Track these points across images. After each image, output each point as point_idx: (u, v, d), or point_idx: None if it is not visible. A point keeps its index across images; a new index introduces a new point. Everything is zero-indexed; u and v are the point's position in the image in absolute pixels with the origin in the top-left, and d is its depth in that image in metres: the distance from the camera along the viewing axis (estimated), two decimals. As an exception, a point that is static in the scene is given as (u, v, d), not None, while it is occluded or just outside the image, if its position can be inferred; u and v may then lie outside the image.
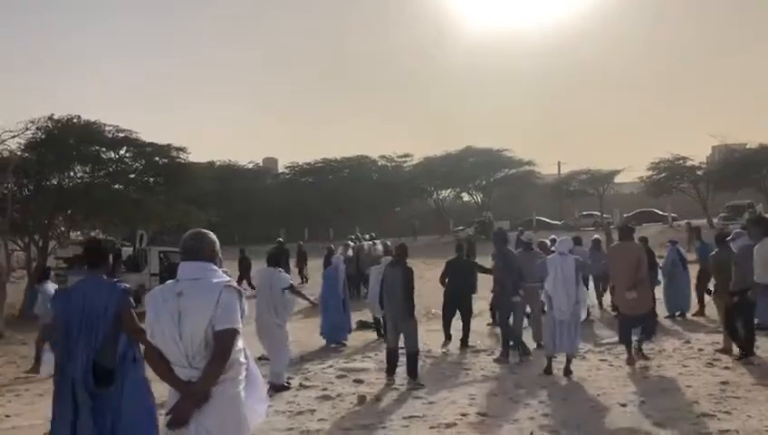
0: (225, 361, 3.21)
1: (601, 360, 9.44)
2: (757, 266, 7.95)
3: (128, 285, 4.69)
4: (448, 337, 11.11)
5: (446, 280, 11.31)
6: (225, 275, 3.41)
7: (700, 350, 9.66)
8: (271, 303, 8.59)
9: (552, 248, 10.22)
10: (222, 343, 3.20)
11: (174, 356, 3.23)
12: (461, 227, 45.39)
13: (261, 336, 8.54)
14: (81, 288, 4.62)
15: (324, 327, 12.01)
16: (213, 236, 3.50)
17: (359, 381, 8.67)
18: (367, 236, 22.70)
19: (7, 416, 7.75)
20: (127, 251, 24.57)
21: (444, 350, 10.76)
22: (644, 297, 9.05)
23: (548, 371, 8.61)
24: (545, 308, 9.15)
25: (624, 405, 6.99)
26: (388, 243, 19.74)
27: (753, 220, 8.68)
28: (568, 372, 8.49)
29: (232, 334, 3.22)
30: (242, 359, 3.36)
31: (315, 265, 19.87)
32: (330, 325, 11.94)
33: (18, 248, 20.44)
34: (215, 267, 3.40)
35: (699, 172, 45.85)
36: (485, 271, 11.35)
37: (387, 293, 8.75)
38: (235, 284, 3.39)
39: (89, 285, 4.60)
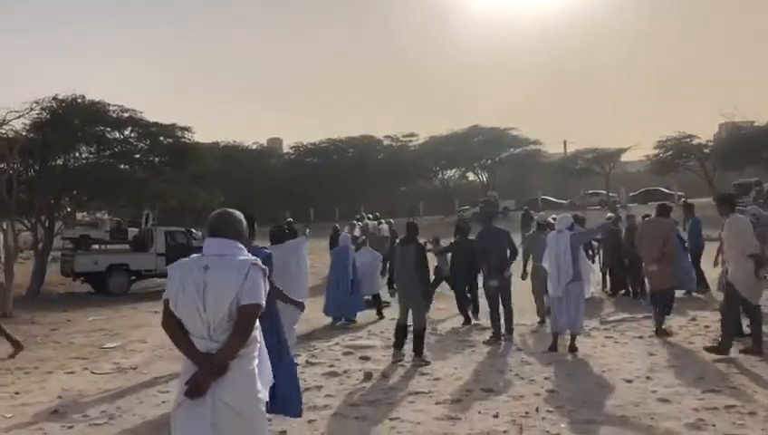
0: (247, 335, 3.28)
1: (607, 337, 9.46)
2: (727, 239, 7.89)
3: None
4: (467, 319, 11.21)
5: (451, 262, 11.60)
6: (249, 254, 3.44)
7: (706, 327, 9.66)
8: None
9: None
10: (246, 318, 3.27)
11: (194, 327, 3.28)
12: (466, 207, 45.35)
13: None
14: None
15: (329, 305, 12.00)
16: (239, 214, 3.55)
17: (365, 358, 8.73)
18: (371, 216, 22.70)
19: (17, 393, 7.81)
20: (133, 231, 24.73)
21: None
22: (666, 274, 9.11)
23: (553, 348, 8.64)
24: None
25: (630, 381, 7.01)
26: (392, 221, 19.75)
27: (720, 197, 8.53)
28: (573, 348, 8.52)
29: (256, 310, 3.29)
30: (258, 336, 3.42)
31: (321, 246, 19.89)
32: (336, 304, 11.94)
33: (25, 229, 20.51)
34: (240, 245, 3.45)
35: (706, 150, 45.60)
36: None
37: (398, 270, 8.82)
38: (261, 263, 3.42)
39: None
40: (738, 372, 7.08)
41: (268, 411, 4.04)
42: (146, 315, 14.35)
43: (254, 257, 3.43)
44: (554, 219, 10.30)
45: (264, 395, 3.44)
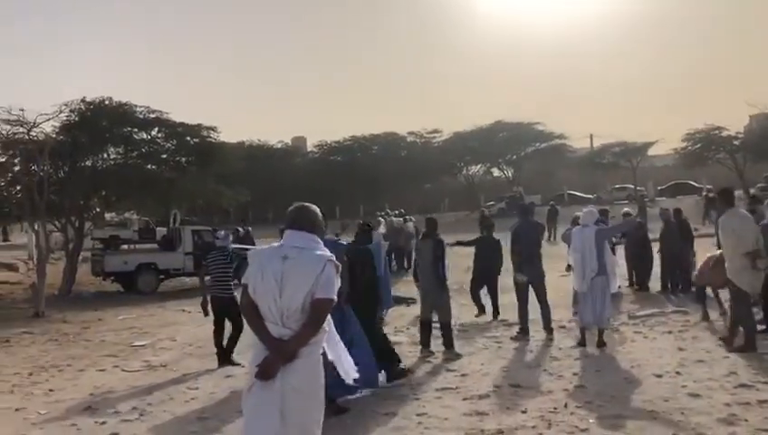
0: (319, 326, 3.45)
1: (636, 332, 9.37)
2: (722, 236, 7.78)
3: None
4: (481, 308, 11.22)
5: (474, 257, 11.56)
6: (325, 248, 3.57)
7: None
8: None
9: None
10: (320, 311, 3.42)
11: (269, 313, 3.43)
12: (491, 203, 45.14)
13: None
14: None
15: None
16: (315, 208, 3.70)
17: (391, 355, 8.72)
18: (396, 213, 22.69)
19: (51, 390, 7.96)
20: (161, 231, 25.05)
21: (476, 317, 11.02)
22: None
23: (582, 343, 8.58)
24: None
25: (659, 376, 6.93)
26: (413, 219, 19.70)
27: (720, 192, 8.48)
28: (601, 343, 8.43)
29: (329, 304, 3.45)
30: (327, 327, 3.57)
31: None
32: None
33: (56, 229, 20.87)
34: (317, 239, 3.59)
35: (736, 142, 44.80)
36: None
37: (420, 266, 8.86)
38: (335, 259, 3.55)
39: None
40: (771, 367, 6.96)
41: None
42: (174, 314, 14.52)
43: (329, 253, 3.55)
44: (578, 216, 10.17)
45: (349, 376, 3.73)
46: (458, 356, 8.30)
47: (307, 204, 3.71)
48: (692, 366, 7.25)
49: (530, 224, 9.84)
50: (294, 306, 3.39)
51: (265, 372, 3.35)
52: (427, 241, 8.76)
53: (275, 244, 3.66)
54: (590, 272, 8.43)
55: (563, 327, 9.95)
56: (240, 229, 20.41)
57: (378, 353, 7.12)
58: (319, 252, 3.50)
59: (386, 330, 10.66)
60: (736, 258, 7.58)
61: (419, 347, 8.72)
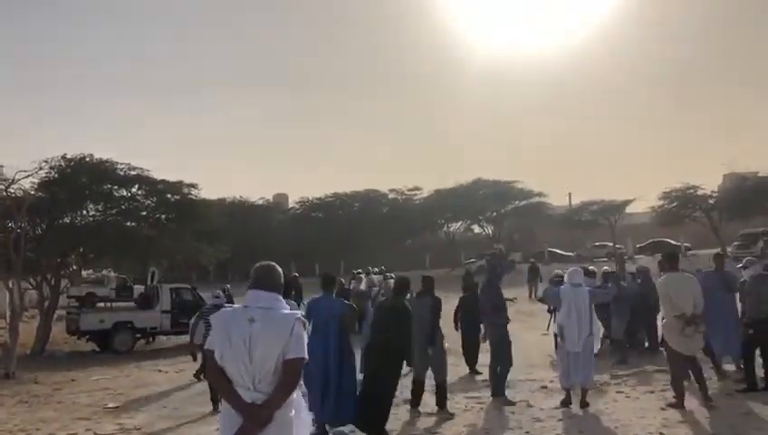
0: (294, 387, 3.40)
1: (618, 392, 9.31)
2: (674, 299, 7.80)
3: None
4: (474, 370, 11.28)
5: (460, 318, 11.59)
6: (288, 306, 3.58)
7: (710, 379, 9.49)
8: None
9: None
10: (293, 371, 3.37)
11: (240, 378, 3.35)
12: (472, 260, 45.21)
13: None
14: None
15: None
16: (279, 269, 3.69)
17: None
18: (376, 270, 22.62)
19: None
20: (138, 289, 24.72)
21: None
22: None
23: (566, 402, 8.50)
24: (559, 338, 8.91)
25: (643, 438, 6.85)
26: (392, 275, 19.65)
27: (664, 255, 8.84)
28: (584, 404, 8.36)
29: (301, 363, 3.40)
30: (299, 388, 3.55)
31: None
32: None
33: (30, 287, 20.50)
34: (281, 298, 3.56)
35: (711, 201, 45.63)
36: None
37: (415, 324, 8.59)
38: (303, 316, 3.54)
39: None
40: (755, 428, 6.93)
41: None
42: (150, 374, 14.21)
43: (297, 312, 3.55)
44: (558, 274, 10.18)
45: None
46: (451, 416, 8.25)
47: (271, 263, 3.67)
48: (675, 427, 7.20)
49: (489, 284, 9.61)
50: (266, 369, 3.32)
51: None
52: (424, 299, 8.72)
53: (237, 305, 3.60)
54: (585, 332, 8.37)
55: (545, 387, 9.86)
56: (228, 287, 20.43)
57: (373, 404, 7.10)
58: (285, 311, 3.48)
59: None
60: (670, 320, 7.77)
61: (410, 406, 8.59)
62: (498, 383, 9.20)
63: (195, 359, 9.78)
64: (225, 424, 3.39)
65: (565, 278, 9.02)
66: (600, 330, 9.38)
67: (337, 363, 7.28)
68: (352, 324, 8.30)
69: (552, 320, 10.38)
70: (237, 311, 3.51)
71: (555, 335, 9.56)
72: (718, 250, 9.89)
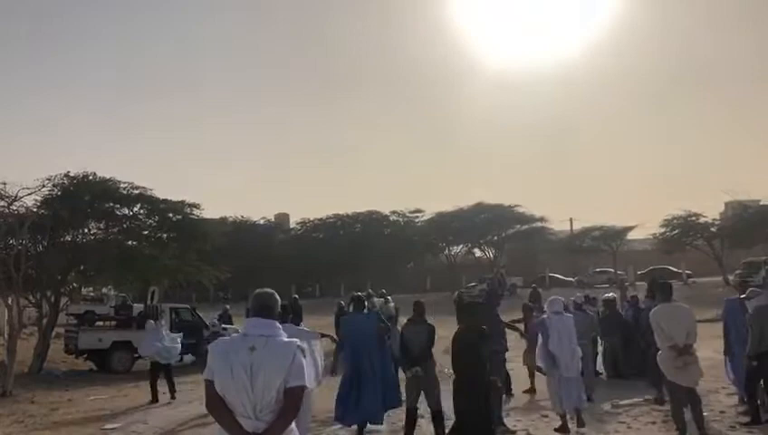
0: (295, 414, 3.43)
1: (620, 422, 9.22)
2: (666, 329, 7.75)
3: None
4: None
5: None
6: (285, 333, 3.57)
7: (721, 412, 9.41)
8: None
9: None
10: (294, 399, 3.39)
11: (241, 407, 3.35)
12: (473, 284, 45.11)
13: None
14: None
15: None
16: (276, 295, 3.73)
17: (370, 444, 8.48)
18: (380, 293, 22.53)
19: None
20: (139, 307, 24.62)
21: None
22: None
23: (564, 429, 8.49)
24: (546, 366, 8.83)
25: (645, 471, 6.77)
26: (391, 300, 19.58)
27: (658, 284, 8.73)
28: (581, 423, 8.60)
29: (302, 390, 3.44)
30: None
31: (326, 322, 19.69)
32: None
33: (30, 305, 20.45)
34: (278, 325, 3.58)
35: (713, 229, 45.63)
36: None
37: (408, 351, 8.43)
38: (301, 344, 3.58)
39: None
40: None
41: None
42: (148, 395, 14.09)
43: (296, 339, 3.55)
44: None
45: None
46: None
47: (269, 290, 3.70)
48: (678, 460, 7.10)
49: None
50: (269, 398, 3.33)
51: None
52: (417, 325, 8.51)
53: (236, 334, 3.61)
54: (578, 357, 8.64)
55: (546, 416, 9.77)
56: (227, 308, 20.46)
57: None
58: (285, 339, 3.50)
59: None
60: (665, 351, 7.73)
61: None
62: (495, 411, 9.06)
63: None
64: None
65: (546, 308, 9.12)
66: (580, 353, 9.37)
67: (379, 360, 8.95)
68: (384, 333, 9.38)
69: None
70: (237, 340, 3.51)
71: (538, 367, 9.41)
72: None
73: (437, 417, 8.24)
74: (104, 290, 29.00)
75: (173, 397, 13.17)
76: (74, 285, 23.03)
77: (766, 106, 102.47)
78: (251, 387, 3.32)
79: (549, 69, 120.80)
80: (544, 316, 8.96)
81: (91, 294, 28.77)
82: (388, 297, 20.29)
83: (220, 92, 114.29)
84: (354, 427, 9.00)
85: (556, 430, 8.58)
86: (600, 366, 12.98)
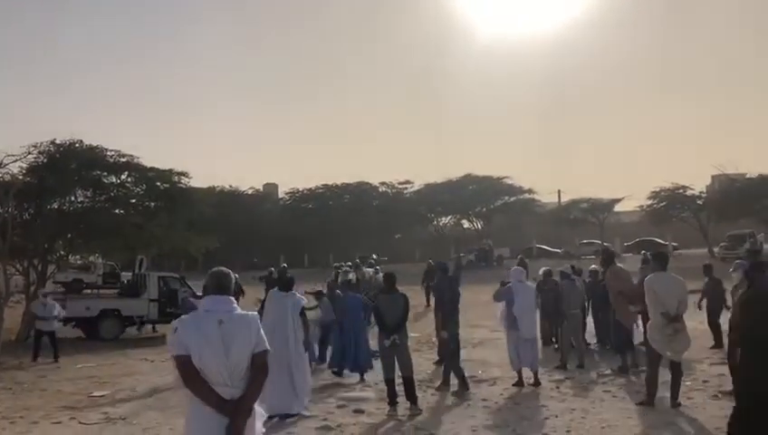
0: (266, 377, 3.69)
1: (605, 391, 9.33)
2: (660, 297, 7.86)
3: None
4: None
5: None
6: (238, 307, 3.83)
7: (705, 382, 9.55)
8: (291, 329, 8.56)
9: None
10: (263, 363, 3.67)
11: (219, 376, 3.53)
12: (462, 254, 45.31)
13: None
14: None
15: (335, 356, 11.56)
16: (231, 273, 3.95)
17: (359, 411, 8.55)
18: (371, 261, 22.55)
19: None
20: (127, 275, 24.53)
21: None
22: None
23: (519, 383, 9.70)
24: (507, 327, 9.88)
25: (629, 438, 6.87)
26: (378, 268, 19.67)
27: (654, 255, 8.94)
28: (537, 383, 9.70)
29: (266, 354, 3.72)
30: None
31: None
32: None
33: (17, 272, 20.34)
34: (234, 301, 3.82)
35: (699, 202, 45.93)
36: None
37: (383, 321, 8.58)
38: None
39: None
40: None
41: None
42: (137, 362, 14.14)
43: (253, 312, 3.87)
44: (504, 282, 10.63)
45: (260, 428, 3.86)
46: (419, 411, 8.26)
47: (225, 270, 3.89)
48: (661, 428, 7.22)
49: (449, 280, 10.14)
50: (242, 366, 3.58)
51: None
52: (393, 295, 8.69)
53: (199, 310, 3.78)
54: (536, 321, 10.03)
55: (531, 384, 9.88)
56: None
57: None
58: (242, 312, 3.78)
59: (354, 385, 10.54)
60: (656, 318, 7.84)
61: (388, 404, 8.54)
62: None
63: None
64: (196, 426, 3.55)
65: (510, 277, 10.14)
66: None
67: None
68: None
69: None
70: (201, 315, 3.70)
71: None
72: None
73: (408, 382, 8.47)
74: (92, 258, 28.83)
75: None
76: (61, 253, 22.91)
77: (758, 79, 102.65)
78: (226, 357, 3.53)
79: (539, 40, 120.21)
80: (509, 283, 10.04)
81: (79, 262, 28.60)
82: (378, 268, 20.36)
83: (210, 62, 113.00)
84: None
85: (513, 384, 9.69)
86: (589, 337, 13.04)
